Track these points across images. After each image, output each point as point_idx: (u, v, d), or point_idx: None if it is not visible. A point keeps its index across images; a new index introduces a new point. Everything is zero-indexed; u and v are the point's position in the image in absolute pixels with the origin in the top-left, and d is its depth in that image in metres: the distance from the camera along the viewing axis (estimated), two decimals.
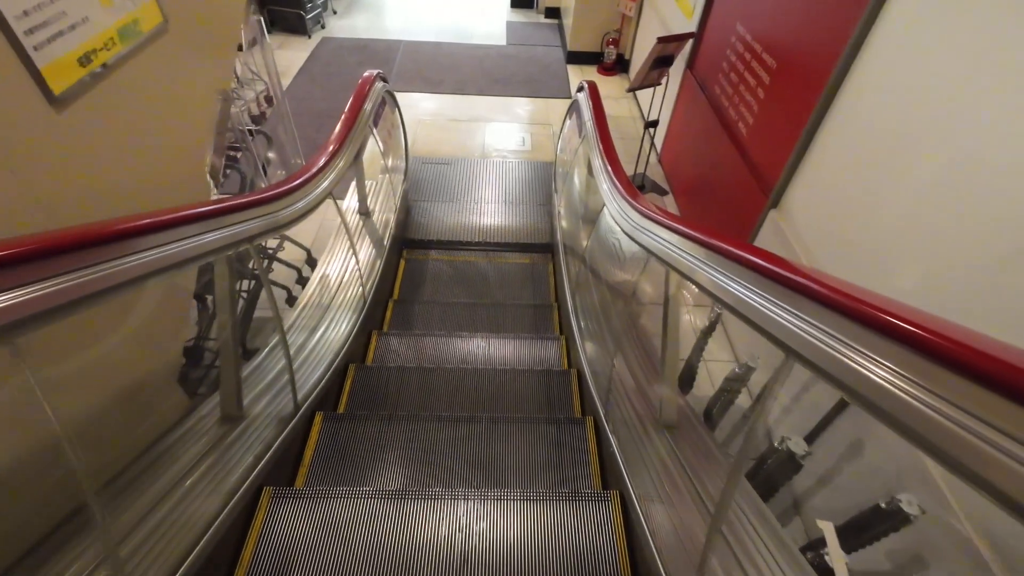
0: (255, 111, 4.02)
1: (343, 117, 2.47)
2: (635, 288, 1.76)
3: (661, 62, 3.29)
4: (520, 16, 7.20)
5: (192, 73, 1.70)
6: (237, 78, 3.70)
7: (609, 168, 2.16)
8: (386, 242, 3.01)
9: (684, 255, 1.26)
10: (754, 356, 1.67)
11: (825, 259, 2.05)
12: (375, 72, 2.91)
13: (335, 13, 6.78)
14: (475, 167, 4.14)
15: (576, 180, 3.20)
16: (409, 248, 3.45)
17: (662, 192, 4.00)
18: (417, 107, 4.94)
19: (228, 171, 2.34)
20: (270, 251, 2.82)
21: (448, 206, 3.74)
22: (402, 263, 3.34)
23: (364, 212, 3.09)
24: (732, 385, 1.76)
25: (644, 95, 4.75)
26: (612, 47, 5.54)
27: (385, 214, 3.16)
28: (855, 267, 1.87)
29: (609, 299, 2.33)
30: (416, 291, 3.18)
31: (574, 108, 3.16)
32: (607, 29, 5.57)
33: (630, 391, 1.81)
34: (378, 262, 2.85)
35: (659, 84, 3.56)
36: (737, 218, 2.86)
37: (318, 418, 2.00)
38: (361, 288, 2.51)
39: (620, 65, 5.74)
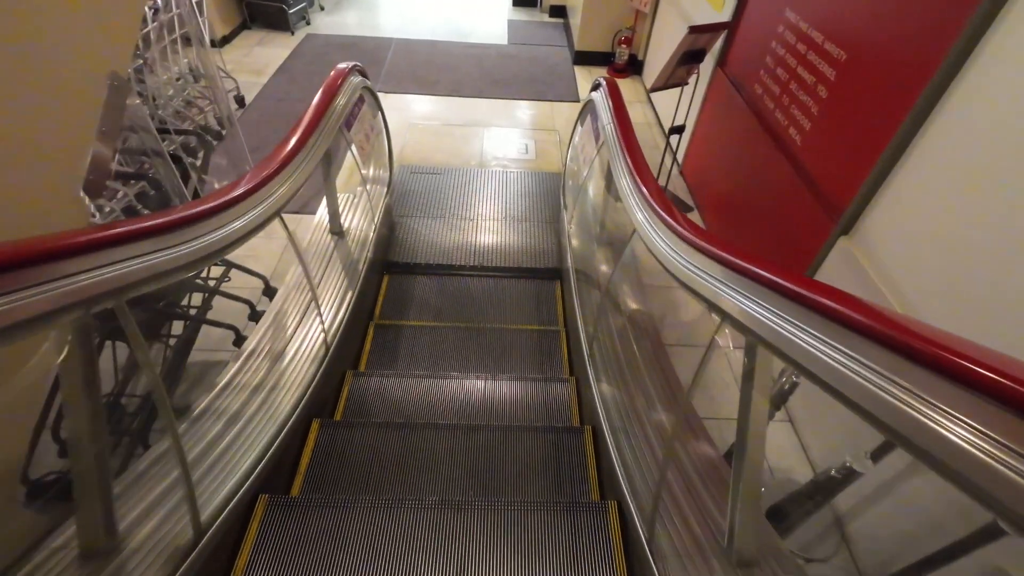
0: (218, 112, 3.56)
1: (304, 116, 2.00)
2: (682, 338, 1.27)
3: (690, 57, 2.85)
4: (523, 15, 6.81)
5: (62, 46, 1.23)
6: (195, 74, 3.25)
7: (640, 185, 1.70)
8: (362, 267, 2.53)
9: (799, 334, 0.78)
10: (861, 454, 1.19)
11: (928, 307, 1.57)
12: (350, 64, 2.46)
13: (322, 9, 6.37)
14: (471, 178, 3.68)
15: (592, 195, 2.74)
16: (392, 273, 2.97)
17: (686, 208, 3.54)
18: (408, 109, 4.49)
19: (126, 186, 1.86)
20: (210, 282, 2.34)
21: (439, 223, 3.27)
22: (383, 289, 2.86)
23: (336, 231, 2.62)
24: (826, 486, 1.27)
25: (662, 99, 4.32)
26: (624, 46, 5.11)
27: (362, 233, 2.69)
28: (973, 322, 1.39)
29: (642, 352, 1.85)
30: (399, 319, 2.70)
31: (588, 111, 2.70)
32: (619, 27, 5.15)
33: (679, 496, 1.32)
34: (350, 294, 2.36)
35: (686, 83, 3.12)
36: (788, 243, 2.39)
37: (257, 509, 1.50)
38: (322, 333, 2.02)
39: (633, 66, 5.31)
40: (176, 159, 3.59)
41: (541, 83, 5.07)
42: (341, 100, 2.27)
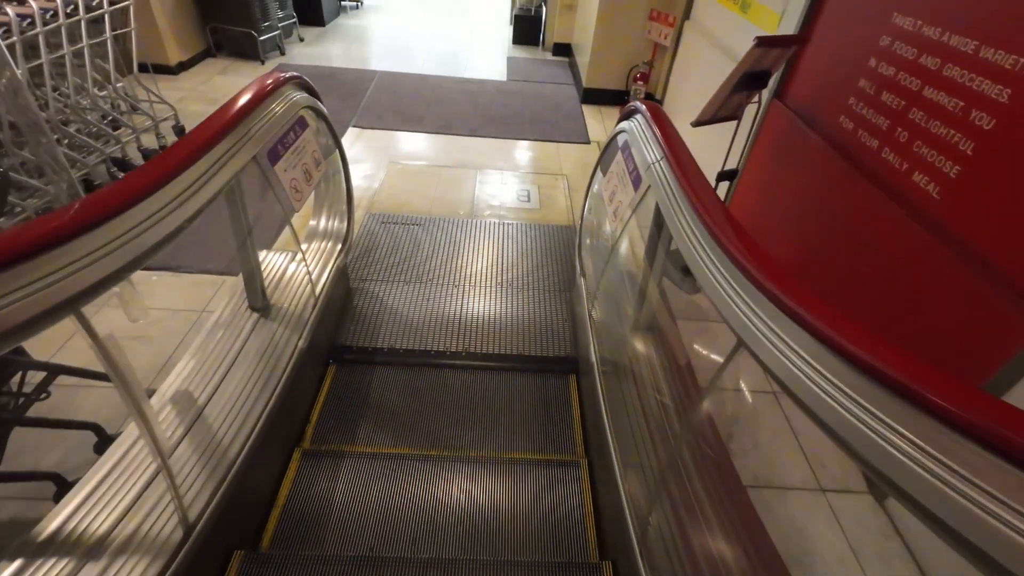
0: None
1: (187, 135, 1.29)
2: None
3: (750, 81, 2.20)
4: (524, 52, 6.38)
5: None
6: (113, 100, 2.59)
7: (734, 252, 0.98)
8: (289, 361, 1.75)
9: None
10: None
11: None
12: (287, 75, 1.79)
13: (301, 40, 5.89)
14: (459, 230, 2.97)
15: (625, 258, 2.02)
16: (342, 363, 2.18)
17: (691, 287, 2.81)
18: (386, 147, 3.85)
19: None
20: (21, 397, 1.53)
21: (414, 291, 2.52)
22: (324, 390, 2.06)
23: (257, 306, 1.85)
24: None
25: (691, 141, 3.70)
26: (640, 83, 4.58)
27: (296, 307, 1.92)
28: None
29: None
30: (341, 443, 1.88)
31: (616, 148, 2.03)
32: (634, 62, 4.64)
33: None
34: (258, 408, 1.57)
35: (738, 117, 2.47)
36: (926, 338, 1.64)
37: None
38: (178, 511, 1.21)
39: None
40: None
41: (545, 122, 4.49)
42: (258, 123, 1.57)
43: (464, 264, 2.72)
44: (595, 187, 2.45)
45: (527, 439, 1.95)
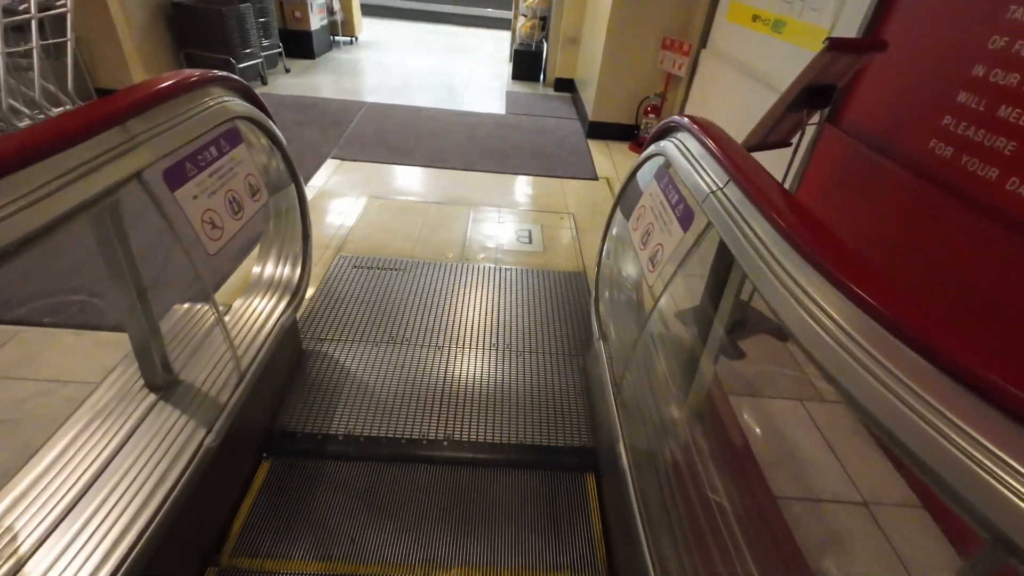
0: None
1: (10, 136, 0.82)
2: None
3: (811, 97, 1.78)
4: (524, 88, 6.12)
5: None
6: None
7: (901, 320, 0.49)
8: (188, 465, 1.22)
9: None
10: None
11: None
12: (212, 73, 1.36)
13: (287, 71, 5.61)
14: (447, 277, 2.50)
15: (671, 321, 1.55)
16: (279, 455, 1.64)
17: (781, 335, 2.33)
18: (367, 180, 3.42)
19: None
20: None
21: (387, 355, 2.01)
22: (250, 496, 1.52)
23: (154, 384, 1.35)
24: None
25: None
26: (652, 116, 4.24)
27: (211, 386, 1.41)
28: None
29: None
30: (277, 557, 1.34)
31: (651, 178, 1.58)
32: (645, 94, 4.32)
33: None
34: (140, 529, 1.03)
35: (789, 144, 2.05)
36: None
37: None
38: None
39: None
40: None
41: (548, 156, 4.11)
42: (159, 125, 1.12)
43: (451, 319, 2.23)
44: (614, 229, 1.99)
45: (529, 559, 1.40)
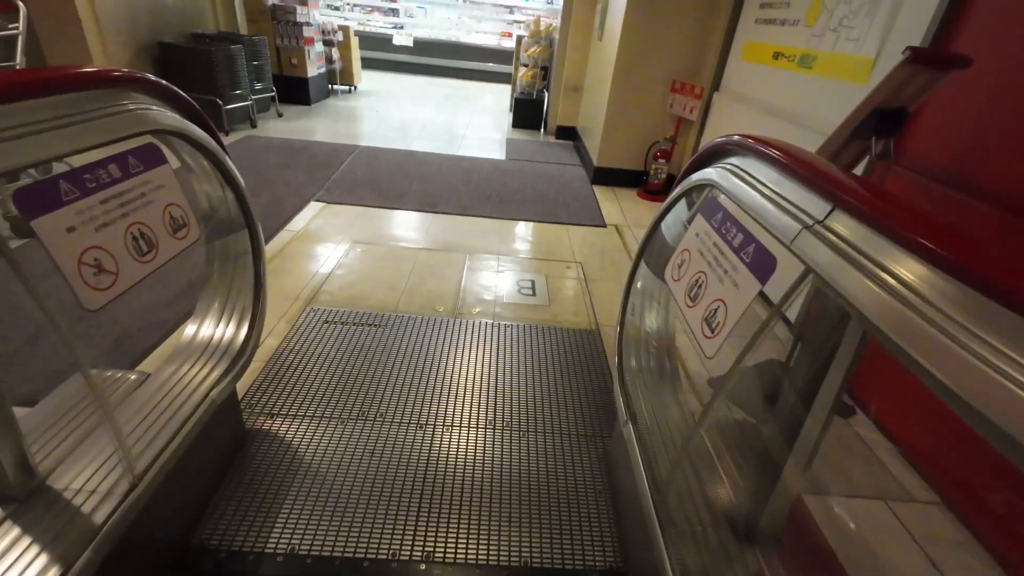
0: None
1: None
2: None
3: (879, 123, 1.48)
4: (524, 135, 5.98)
5: None
6: None
7: None
8: None
9: None
10: None
11: None
12: (136, 73, 1.04)
13: (280, 116, 5.45)
14: (436, 334, 2.12)
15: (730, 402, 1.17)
16: None
17: (843, 411, 1.93)
18: (351, 224, 3.11)
19: None
20: None
21: (354, 436, 1.60)
22: None
23: (5, 495, 0.94)
24: None
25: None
26: (662, 161, 4.00)
27: (102, 490, 1.00)
28: None
29: None
30: None
31: (698, 215, 1.26)
32: (654, 138, 4.11)
33: None
34: None
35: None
36: None
37: None
38: None
39: (672, 188, 4.15)
40: None
41: (551, 201, 3.83)
42: (28, 124, 0.77)
43: (438, 388, 1.83)
44: (639, 282, 1.64)
45: None
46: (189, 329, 1.45)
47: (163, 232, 1.11)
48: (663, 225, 1.51)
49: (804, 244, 0.80)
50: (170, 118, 1.15)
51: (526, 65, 6.14)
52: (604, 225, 3.53)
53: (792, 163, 0.90)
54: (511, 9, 9.98)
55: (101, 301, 0.94)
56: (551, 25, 6.06)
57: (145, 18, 4.25)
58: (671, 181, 4.15)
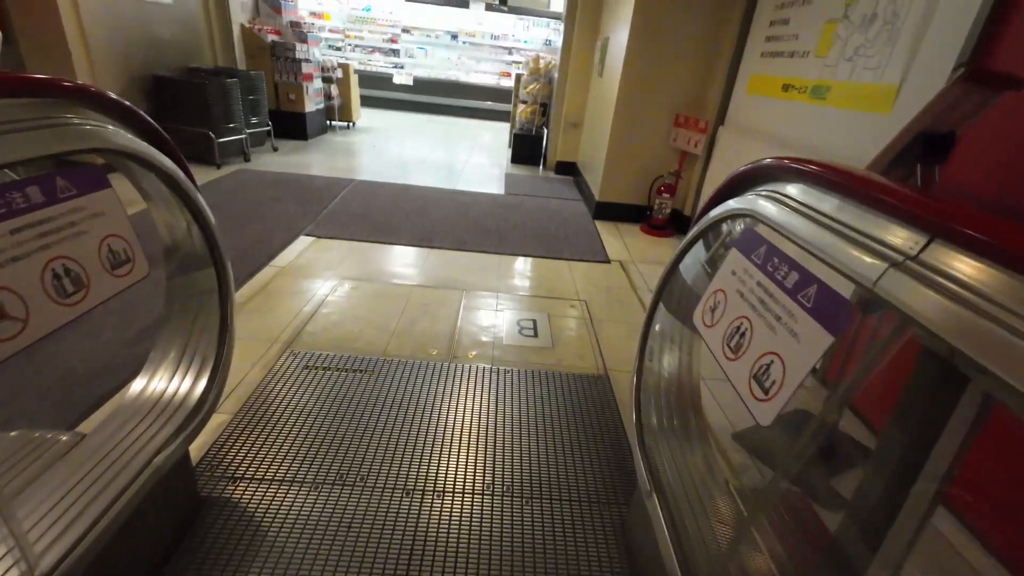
0: None
1: None
2: None
3: (927, 148, 1.34)
4: (524, 171, 5.91)
5: None
6: None
7: None
8: None
9: None
10: None
11: None
12: (84, 85, 0.88)
13: (275, 150, 5.38)
14: (427, 382, 1.92)
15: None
16: None
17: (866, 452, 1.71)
18: (342, 260, 2.94)
19: None
20: None
21: (327, 503, 1.38)
22: None
23: None
24: None
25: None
26: (666, 196, 3.89)
27: None
28: None
29: None
30: None
31: (735, 251, 1.08)
32: (657, 172, 4.01)
33: None
34: None
35: None
36: None
37: None
38: None
39: (677, 224, 4.03)
40: None
41: (552, 236, 3.68)
42: None
43: (428, 445, 1.61)
44: (657, 324, 1.46)
45: None
46: (138, 380, 1.25)
47: (97, 268, 0.93)
48: (679, 264, 1.34)
49: (894, 285, 0.62)
50: (125, 139, 0.99)
51: (525, 102, 6.13)
52: (608, 261, 3.38)
53: (866, 188, 0.73)
54: (510, 50, 10.17)
55: (5, 352, 0.75)
56: (551, 63, 6.09)
57: (139, 51, 4.20)
58: (676, 216, 4.03)
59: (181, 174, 1.18)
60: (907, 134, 1.30)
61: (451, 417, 1.75)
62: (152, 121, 1.13)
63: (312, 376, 1.88)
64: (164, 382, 1.25)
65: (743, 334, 0.91)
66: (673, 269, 1.34)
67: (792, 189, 0.92)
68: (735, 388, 0.88)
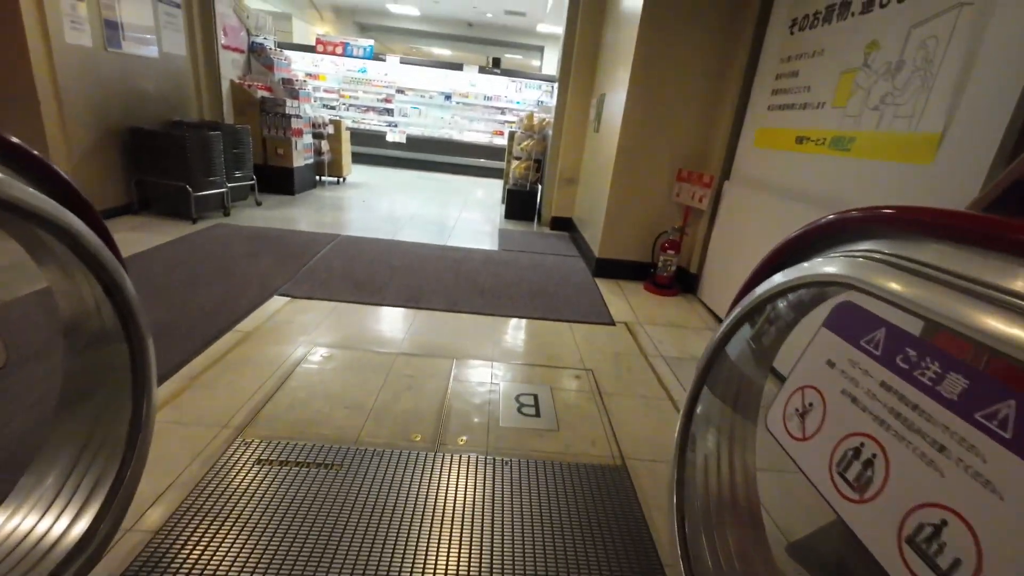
0: None
1: None
2: None
3: (1017, 200, 1.10)
4: (518, 226, 5.74)
5: None
6: None
7: None
8: None
9: None
10: None
11: None
12: None
13: (259, 204, 5.18)
14: (408, 477, 1.57)
15: None
16: None
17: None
18: (319, 323, 2.64)
19: None
20: None
21: None
22: None
23: None
24: None
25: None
26: (671, 253, 3.67)
27: None
28: None
29: None
30: None
31: (840, 341, 0.80)
32: (661, 228, 3.82)
33: None
34: None
35: None
36: None
37: None
38: None
39: (682, 282, 3.80)
40: None
41: (550, 296, 3.42)
42: None
43: (409, 557, 1.25)
44: (703, 408, 1.15)
45: None
46: (6, 505, 0.91)
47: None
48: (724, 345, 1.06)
49: None
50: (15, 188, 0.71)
51: (519, 158, 6.06)
52: (613, 323, 3.10)
53: None
54: (503, 110, 10.35)
55: None
56: (544, 120, 6.07)
57: (119, 103, 4.05)
58: (681, 273, 3.80)
59: (82, 228, 0.89)
60: (1001, 184, 1.07)
61: (436, 522, 1.39)
62: (55, 167, 0.87)
63: (264, 473, 1.53)
64: (38, 511, 0.91)
65: (870, 464, 0.61)
66: (713, 359, 1.06)
67: (910, 250, 0.66)
68: (875, 550, 0.58)
